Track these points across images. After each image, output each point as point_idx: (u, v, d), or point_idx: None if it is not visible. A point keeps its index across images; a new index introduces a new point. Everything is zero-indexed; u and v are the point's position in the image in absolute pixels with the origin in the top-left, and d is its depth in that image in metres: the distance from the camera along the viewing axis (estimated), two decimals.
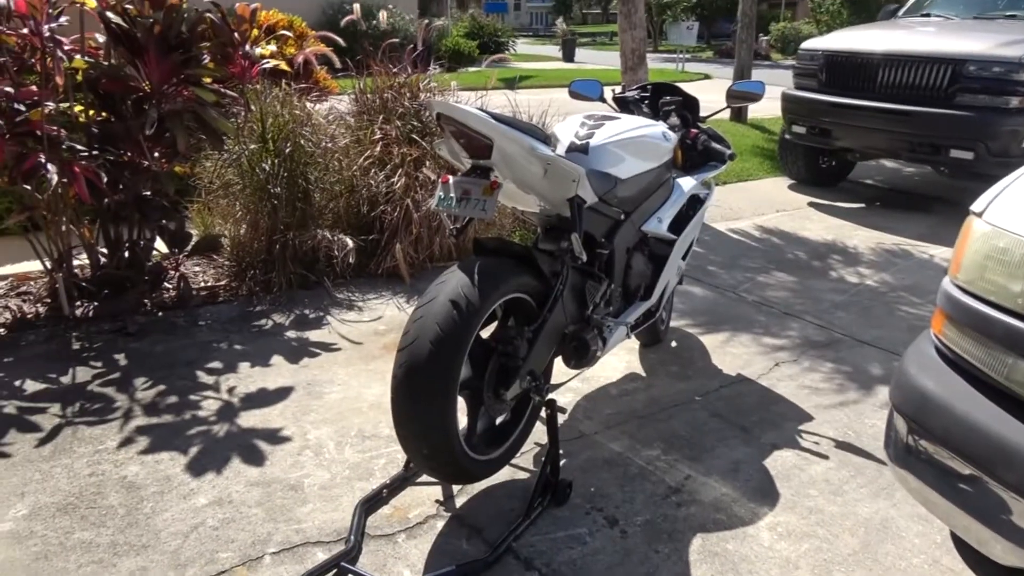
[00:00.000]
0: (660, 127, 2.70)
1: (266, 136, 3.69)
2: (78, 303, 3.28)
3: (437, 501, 2.15)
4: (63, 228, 3.21)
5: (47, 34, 2.96)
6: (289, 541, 1.96)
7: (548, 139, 2.08)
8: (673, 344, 3.28)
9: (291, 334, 3.22)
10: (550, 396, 2.20)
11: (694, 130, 2.97)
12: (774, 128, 8.49)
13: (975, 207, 1.66)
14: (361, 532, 1.98)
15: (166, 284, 3.54)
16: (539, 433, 2.35)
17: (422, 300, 1.89)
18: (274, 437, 2.44)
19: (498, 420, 2.22)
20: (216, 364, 2.92)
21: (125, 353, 2.98)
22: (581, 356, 2.28)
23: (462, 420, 2.01)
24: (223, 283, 3.68)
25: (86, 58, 3.14)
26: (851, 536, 2.07)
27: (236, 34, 3.56)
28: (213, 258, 3.90)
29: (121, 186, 3.23)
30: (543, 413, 2.20)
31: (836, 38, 6.17)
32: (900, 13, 6.83)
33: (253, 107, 3.73)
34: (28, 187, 3.05)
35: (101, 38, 3.30)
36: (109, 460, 2.28)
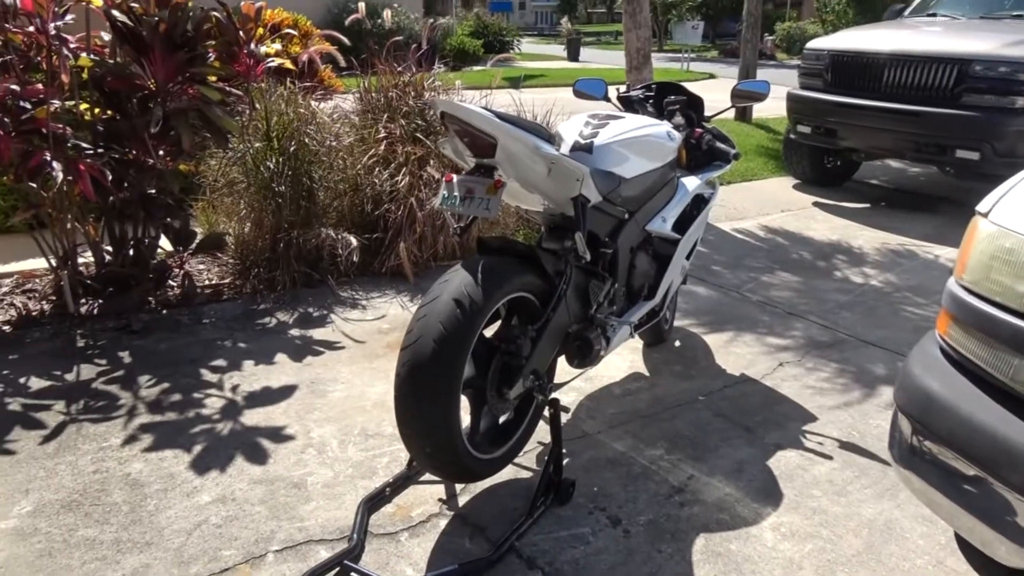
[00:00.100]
0: (664, 126, 2.70)
1: (271, 134, 3.69)
2: (83, 301, 3.29)
3: (440, 500, 2.15)
4: (68, 226, 3.22)
5: (53, 32, 2.97)
6: (292, 539, 1.96)
7: (552, 138, 2.08)
8: (677, 344, 3.27)
9: (295, 332, 3.22)
10: (553, 395, 2.19)
11: (698, 129, 2.96)
12: (779, 128, 8.47)
13: (981, 207, 1.65)
14: (364, 530, 1.99)
15: (170, 282, 3.55)
16: (542, 432, 2.35)
17: (426, 299, 1.90)
18: (277, 435, 2.45)
19: (501, 419, 2.22)
20: (220, 362, 2.93)
21: (129, 351, 2.98)
22: (584, 355, 2.28)
23: (465, 419, 2.01)
24: (227, 281, 3.69)
25: (92, 56, 3.15)
26: (855, 537, 2.06)
27: (241, 33, 3.57)
28: (217, 256, 3.91)
29: (126, 184, 3.23)
30: (546, 412, 2.20)
31: (842, 38, 6.16)
32: (906, 13, 6.81)
33: (258, 105, 3.74)
34: (33, 185, 3.06)
35: (107, 36, 3.31)
36: (113, 457, 2.29)
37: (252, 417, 2.55)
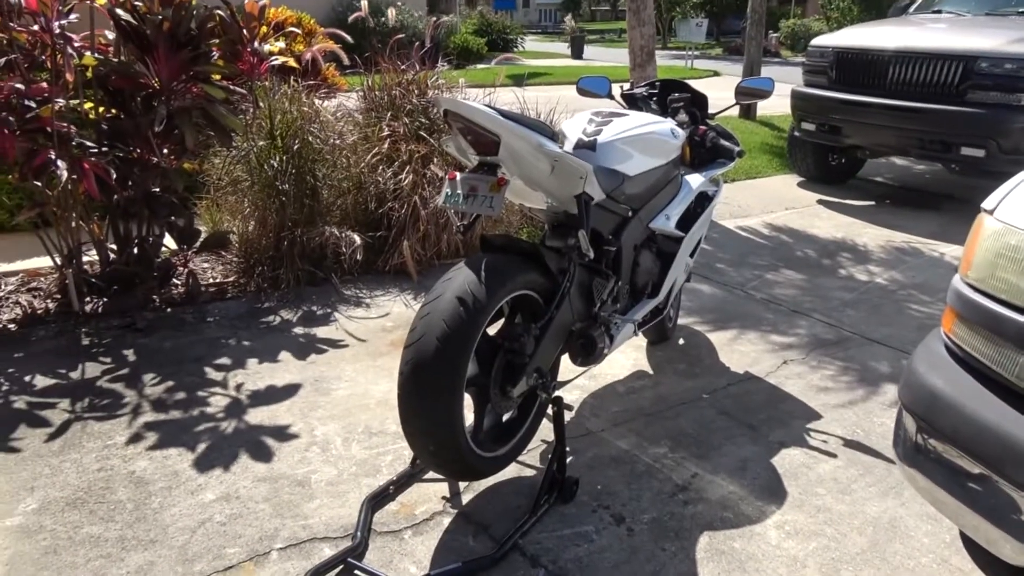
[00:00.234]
0: (668, 124, 2.69)
1: (274, 133, 3.70)
2: (87, 299, 3.29)
3: (444, 498, 2.15)
4: (73, 224, 3.23)
5: (57, 31, 2.98)
6: (296, 537, 1.97)
7: (556, 136, 2.08)
8: (681, 342, 3.27)
9: (299, 330, 3.23)
10: (557, 393, 2.19)
11: (702, 127, 2.96)
12: (783, 125, 8.45)
13: (986, 204, 1.65)
14: (368, 528, 1.99)
15: (175, 280, 3.56)
16: (546, 430, 2.35)
17: (429, 297, 1.89)
18: (281, 433, 2.45)
19: (504, 417, 2.22)
20: (224, 360, 2.93)
21: (134, 349, 2.99)
22: (588, 353, 2.28)
23: (469, 417, 2.01)
24: (231, 279, 3.70)
25: (96, 55, 3.15)
26: (859, 535, 2.06)
27: (245, 31, 3.57)
28: (221, 254, 3.92)
29: (130, 182, 3.24)
30: (550, 410, 2.20)
31: (846, 35, 6.14)
32: (911, 9, 6.79)
33: (262, 104, 3.74)
34: (38, 183, 3.06)
35: (111, 35, 3.31)
36: (118, 455, 2.29)
37: (256, 415, 2.55)
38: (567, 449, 2.26)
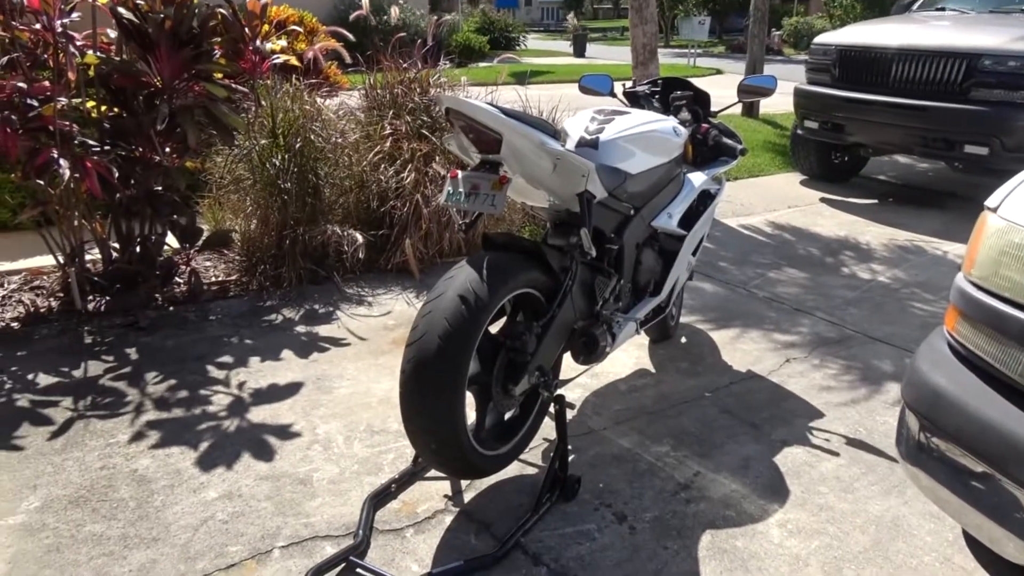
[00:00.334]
0: (671, 122, 2.69)
1: (276, 131, 3.70)
2: (90, 298, 3.30)
3: (445, 496, 2.15)
4: (75, 223, 3.23)
5: (59, 30, 2.98)
6: (298, 535, 1.97)
7: (558, 134, 2.07)
8: (683, 340, 3.26)
9: (301, 329, 3.23)
10: (559, 392, 2.19)
11: (705, 125, 2.95)
12: (786, 123, 8.44)
13: (990, 202, 1.64)
14: (370, 526, 1.99)
15: (177, 279, 3.56)
16: (548, 428, 2.35)
17: (431, 295, 1.89)
18: (283, 432, 2.45)
19: (507, 415, 2.22)
20: (226, 359, 2.93)
21: (136, 347, 3.00)
22: (590, 352, 2.28)
23: (471, 415, 2.01)
24: (233, 278, 3.70)
25: (98, 54, 3.16)
26: (862, 534, 2.05)
27: (247, 29, 3.57)
28: (224, 253, 3.92)
29: (132, 181, 3.24)
30: (552, 409, 2.20)
31: (849, 32, 6.12)
32: (914, 7, 6.77)
33: (263, 102, 3.74)
34: (41, 182, 3.07)
35: (113, 34, 3.31)
36: (120, 454, 2.30)
37: (258, 413, 2.56)
38: (569, 447, 2.25)
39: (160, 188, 3.32)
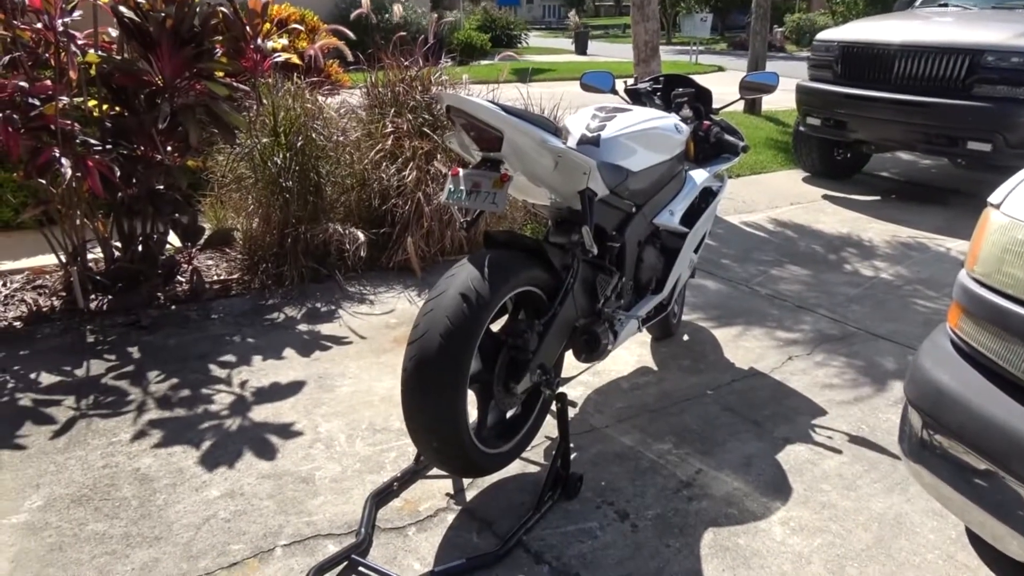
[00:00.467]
0: (672, 119, 2.68)
1: (278, 130, 3.70)
2: (92, 297, 3.30)
3: (447, 494, 2.15)
4: (77, 222, 3.23)
5: (61, 29, 2.98)
6: (300, 533, 1.97)
7: (559, 131, 2.07)
8: (685, 338, 3.26)
9: (303, 327, 3.23)
10: (560, 390, 2.19)
11: (707, 122, 2.94)
12: (788, 120, 8.42)
13: (993, 199, 1.64)
14: (372, 525, 1.99)
15: (179, 278, 3.56)
16: (550, 427, 2.35)
17: (432, 293, 1.89)
18: (286, 430, 2.45)
19: (508, 414, 2.21)
20: (228, 357, 2.94)
21: (139, 346, 3.00)
22: (592, 350, 2.27)
23: (472, 413, 2.00)
24: (235, 277, 3.70)
25: (99, 52, 3.16)
26: (864, 531, 2.05)
27: (248, 28, 3.57)
28: (225, 252, 3.92)
29: (134, 180, 3.24)
30: (553, 407, 2.19)
31: (852, 29, 6.11)
32: (917, 3, 6.75)
33: (265, 101, 3.74)
34: (43, 181, 3.07)
35: (114, 32, 3.31)
36: (123, 452, 2.30)
37: (260, 412, 2.56)
38: (571, 445, 2.25)
39: (162, 187, 3.32)
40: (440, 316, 1.82)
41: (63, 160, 2.87)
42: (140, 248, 3.40)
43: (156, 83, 3.17)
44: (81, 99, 3.16)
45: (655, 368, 2.98)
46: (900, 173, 7.03)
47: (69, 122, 2.99)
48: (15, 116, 2.87)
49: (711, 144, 2.94)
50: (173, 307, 3.38)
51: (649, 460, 2.34)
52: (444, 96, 1.97)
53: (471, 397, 1.96)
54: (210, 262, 3.85)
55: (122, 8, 3.07)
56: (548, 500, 2.08)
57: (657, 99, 3.03)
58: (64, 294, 3.33)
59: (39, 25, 2.99)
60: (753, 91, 3.03)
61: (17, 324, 3.13)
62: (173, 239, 3.56)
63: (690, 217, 2.77)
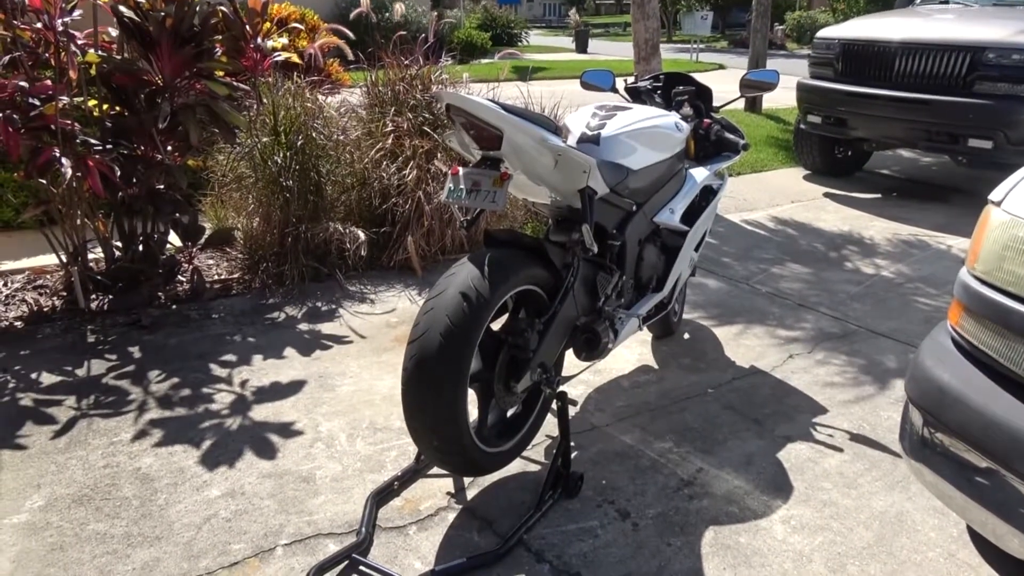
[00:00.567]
0: (672, 117, 2.68)
1: (278, 129, 3.69)
2: (93, 296, 3.30)
3: (448, 493, 2.15)
4: (78, 222, 3.23)
5: (61, 28, 2.98)
6: (301, 533, 1.97)
7: (559, 130, 2.07)
8: (686, 336, 3.26)
9: (303, 327, 3.23)
10: (561, 388, 2.19)
11: (707, 120, 2.94)
12: (789, 118, 8.41)
13: (993, 196, 1.63)
14: (372, 524, 1.99)
15: (180, 277, 3.56)
16: (550, 425, 2.35)
17: (432, 292, 1.89)
18: (286, 429, 2.45)
19: (509, 412, 2.22)
20: (229, 357, 2.94)
21: (139, 346, 3.00)
22: (592, 348, 2.27)
23: (473, 412, 2.00)
24: (236, 276, 3.70)
25: (99, 52, 3.16)
26: (865, 529, 2.05)
27: (248, 27, 3.57)
28: (226, 251, 3.92)
29: (135, 180, 3.24)
30: (554, 405, 2.19)
31: (853, 26, 6.10)
32: (918, 1, 6.74)
33: (265, 100, 3.74)
34: (43, 181, 3.07)
35: (114, 32, 3.31)
36: (123, 452, 2.30)
37: (261, 412, 2.56)
38: (571, 444, 2.25)
39: (162, 186, 3.33)
40: (440, 315, 1.82)
41: (63, 160, 2.87)
42: (141, 248, 3.40)
43: (156, 83, 3.17)
44: (81, 99, 3.16)
45: (656, 366, 2.98)
46: (901, 171, 7.02)
47: (69, 122, 2.99)
48: (15, 116, 2.87)
49: (711, 142, 2.94)
50: (174, 307, 3.38)
51: (650, 459, 2.34)
52: (444, 95, 1.97)
53: (472, 396, 1.96)
54: (211, 262, 3.85)
55: (122, 8, 3.07)
56: (549, 499, 2.08)
57: (657, 97, 3.03)
58: (65, 294, 3.33)
59: (39, 25, 2.99)
60: (754, 89, 3.02)
61: (18, 324, 3.14)
62: (174, 239, 3.56)
63: (691, 215, 2.76)
